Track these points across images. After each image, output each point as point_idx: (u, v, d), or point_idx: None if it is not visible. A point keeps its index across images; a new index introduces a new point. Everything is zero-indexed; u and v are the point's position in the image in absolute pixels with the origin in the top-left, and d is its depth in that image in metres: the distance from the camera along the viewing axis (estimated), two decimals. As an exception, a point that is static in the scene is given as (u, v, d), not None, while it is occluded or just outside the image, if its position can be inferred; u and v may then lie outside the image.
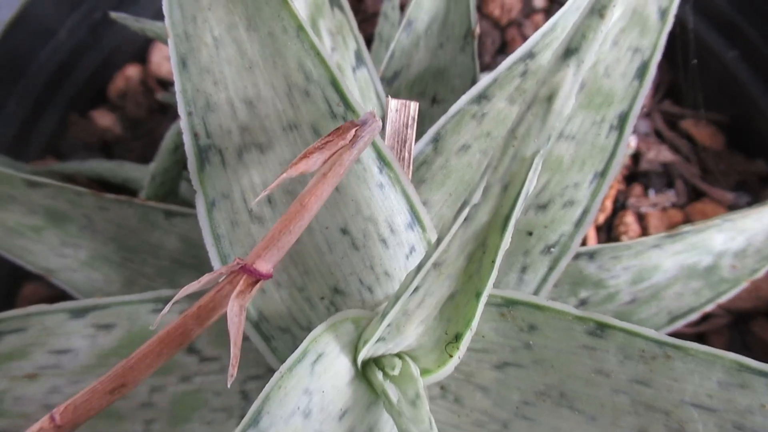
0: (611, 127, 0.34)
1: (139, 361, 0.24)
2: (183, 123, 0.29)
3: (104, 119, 0.54)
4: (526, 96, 0.22)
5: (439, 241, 0.25)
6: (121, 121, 0.54)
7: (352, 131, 0.26)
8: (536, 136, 0.23)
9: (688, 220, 0.48)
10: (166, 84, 0.57)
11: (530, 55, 0.34)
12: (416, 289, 0.27)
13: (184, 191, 0.44)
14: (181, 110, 0.29)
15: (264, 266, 0.24)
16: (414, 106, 0.32)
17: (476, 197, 0.24)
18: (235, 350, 0.23)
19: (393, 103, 0.32)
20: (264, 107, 0.29)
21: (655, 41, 0.33)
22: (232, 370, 0.23)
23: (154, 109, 0.55)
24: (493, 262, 0.26)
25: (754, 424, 0.27)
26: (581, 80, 0.34)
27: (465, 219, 0.25)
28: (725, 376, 0.27)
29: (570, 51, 0.22)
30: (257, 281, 0.24)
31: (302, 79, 0.29)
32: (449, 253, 0.26)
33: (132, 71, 0.56)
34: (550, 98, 0.22)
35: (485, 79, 0.34)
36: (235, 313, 0.24)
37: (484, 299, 0.27)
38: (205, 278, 0.24)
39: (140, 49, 0.57)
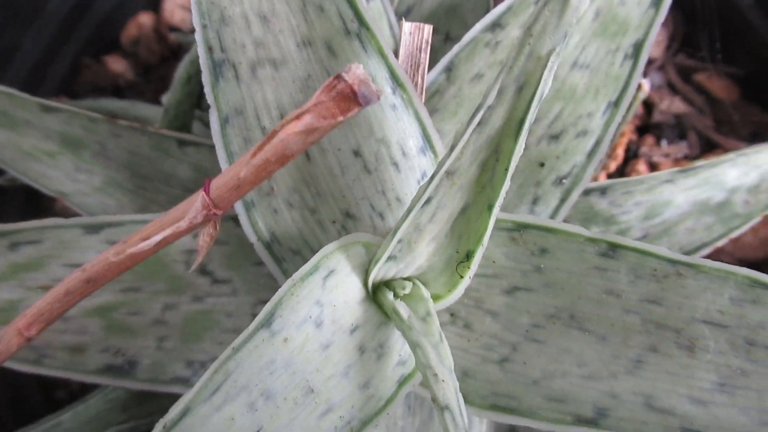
0: (626, 55, 0.33)
1: (108, 267, 0.24)
2: (198, 36, 0.29)
3: (117, 64, 0.54)
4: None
5: (451, 148, 0.25)
6: (133, 67, 0.54)
7: (355, 110, 0.21)
8: (552, 33, 0.23)
9: (700, 171, 0.48)
10: (179, 33, 0.57)
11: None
12: (428, 201, 0.27)
13: (197, 131, 0.45)
14: (196, 22, 0.29)
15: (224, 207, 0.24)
16: (428, 29, 0.32)
17: (490, 99, 0.24)
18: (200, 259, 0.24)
19: (407, 26, 0.32)
20: (278, 22, 0.29)
21: (672, -33, 0.33)
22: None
23: (167, 56, 0.55)
24: (506, 170, 0.26)
25: (766, 339, 0.27)
26: (596, 7, 0.34)
27: (478, 123, 0.25)
28: (737, 292, 0.27)
29: (588, -56, 0.22)
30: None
31: (317, -6, 0.29)
32: (462, 160, 0.26)
33: (145, 18, 0.56)
34: (567, -8, 0.22)
35: (500, 7, 0.34)
36: (206, 242, 0.25)
37: (496, 211, 0.27)
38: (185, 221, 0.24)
39: (154, -4, 0.57)
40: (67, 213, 0.47)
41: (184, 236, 0.26)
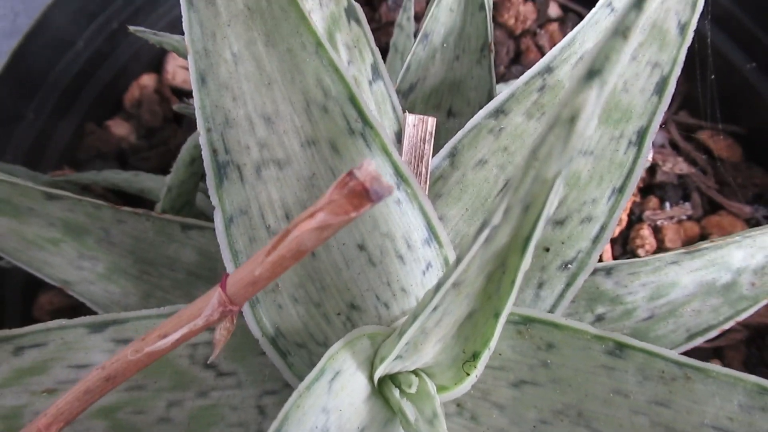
0: (630, 143, 0.33)
1: (127, 365, 0.24)
2: (202, 139, 0.29)
3: (120, 128, 0.54)
4: (548, 117, 0.22)
5: (458, 260, 0.25)
6: (136, 130, 0.54)
7: (367, 206, 0.21)
8: (558, 157, 0.23)
9: (704, 232, 0.48)
10: (181, 93, 0.57)
11: (548, 69, 0.34)
12: (435, 308, 0.27)
13: (200, 202, 0.45)
14: (200, 126, 0.29)
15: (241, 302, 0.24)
16: (431, 122, 0.32)
17: (497, 218, 0.24)
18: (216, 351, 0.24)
19: (410, 119, 0.32)
20: (282, 123, 0.29)
21: (674, 56, 0.33)
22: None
23: (169, 118, 0.55)
24: (513, 282, 0.26)
25: (776, 448, 0.26)
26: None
27: (485, 240, 0.25)
28: (746, 399, 0.27)
29: (593, 72, 0.21)
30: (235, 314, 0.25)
31: (321, 95, 0.29)
32: (468, 273, 0.26)
33: (147, 80, 0.56)
34: (572, 119, 0.22)
35: (502, 94, 0.34)
36: (224, 335, 0.25)
37: (503, 319, 0.27)
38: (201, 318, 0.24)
39: (155, 58, 0.58)
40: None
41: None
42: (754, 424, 0.27)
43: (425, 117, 0.32)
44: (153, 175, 0.46)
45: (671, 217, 0.47)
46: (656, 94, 0.33)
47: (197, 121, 0.29)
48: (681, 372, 0.28)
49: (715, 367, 0.27)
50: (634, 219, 0.48)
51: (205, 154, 0.29)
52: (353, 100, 0.29)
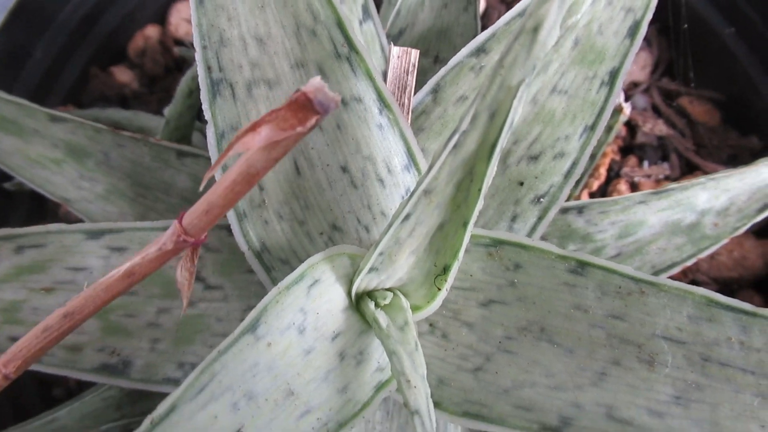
0: (602, 82, 0.35)
1: (85, 302, 0.24)
2: (197, 56, 0.31)
3: (123, 75, 0.56)
4: (514, 28, 0.24)
5: (429, 168, 0.27)
6: (139, 78, 0.56)
7: (313, 120, 0.20)
8: (522, 65, 0.25)
9: (680, 192, 0.49)
10: (184, 45, 0.59)
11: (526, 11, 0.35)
12: (407, 217, 0.29)
13: (196, 141, 0.47)
14: (197, 43, 0.31)
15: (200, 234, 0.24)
16: (415, 54, 0.34)
17: (465, 124, 0.26)
18: (185, 302, 0.25)
19: (395, 50, 0.34)
20: (273, 45, 0.31)
21: (647, 1, 0.35)
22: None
23: (171, 67, 0.57)
24: (480, 190, 0.27)
25: (720, 356, 0.28)
26: (575, 37, 0.36)
27: (454, 146, 0.26)
28: (695, 311, 0.29)
29: (555, -14, 0.23)
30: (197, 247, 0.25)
31: (310, 19, 0.31)
32: (439, 180, 0.27)
33: (151, 31, 0.58)
34: (535, 29, 0.24)
35: (484, 34, 0.36)
36: (186, 277, 0.25)
37: (470, 228, 0.29)
38: (154, 246, 0.24)
39: (159, 10, 0.60)
40: (69, 218, 0.49)
41: (162, 265, 0.26)
42: (701, 333, 0.29)
43: (409, 49, 0.34)
44: (153, 115, 0.48)
45: (648, 175, 0.49)
46: (629, 37, 0.35)
47: (194, 39, 0.31)
48: (636, 287, 0.30)
49: (667, 281, 0.29)
50: (613, 175, 0.50)
51: (200, 71, 0.31)
52: (340, 25, 0.31)
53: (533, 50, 0.24)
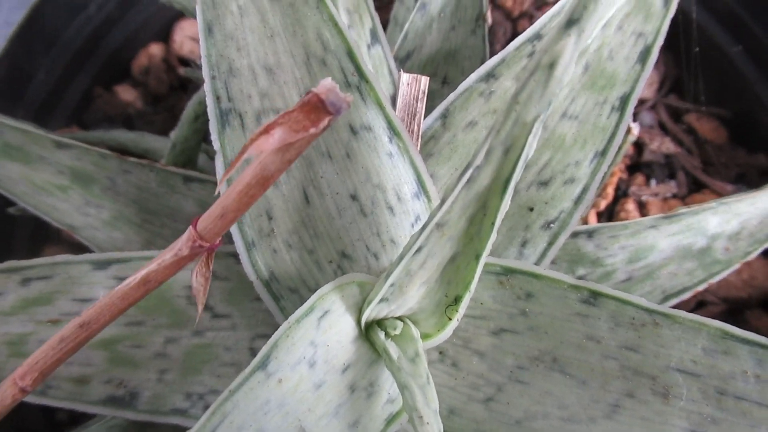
0: (613, 108, 0.35)
1: (101, 311, 0.24)
2: (207, 86, 0.31)
3: (127, 94, 0.56)
4: (529, 64, 0.23)
5: (442, 202, 0.27)
6: (143, 97, 0.56)
7: (326, 120, 0.20)
8: (537, 101, 0.24)
9: (688, 210, 0.49)
10: (188, 63, 0.59)
11: (538, 36, 0.35)
12: (419, 249, 0.28)
13: (202, 163, 0.46)
14: (206, 74, 0.30)
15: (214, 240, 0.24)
16: (425, 81, 0.34)
17: (479, 159, 0.26)
18: (200, 308, 0.24)
19: (405, 77, 0.34)
20: (283, 74, 0.31)
21: (658, 27, 0.34)
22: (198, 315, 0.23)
23: (175, 86, 0.57)
24: (493, 224, 0.27)
25: (736, 390, 0.28)
26: (585, 62, 0.36)
27: (467, 181, 0.26)
28: (710, 343, 0.29)
29: (571, 21, 0.23)
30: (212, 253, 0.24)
31: (320, 49, 0.31)
32: (452, 214, 0.27)
33: (155, 49, 0.58)
34: (551, 66, 0.23)
35: (494, 59, 0.35)
36: (201, 283, 0.25)
37: (483, 261, 0.28)
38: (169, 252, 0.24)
39: (163, 28, 0.59)
40: (73, 242, 0.48)
41: (178, 272, 0.26)
42: (716, 366, 0.28)
43: (419, 76, 0.34)
44: (158, 136, 0.48)
45: (656, 194, 0.49)
46: (640, 63, 0.35)
47: (203, 69, 0.31)
48: (650, 318, 0.29)
49: (681, 312, 0.29)
50: (620, 194, 0.50)
51: (209, 101, 0.31)
52: (351, 55, 0.31)
53: (549, 86, 0.24)
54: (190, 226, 0.23)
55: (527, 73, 0.24)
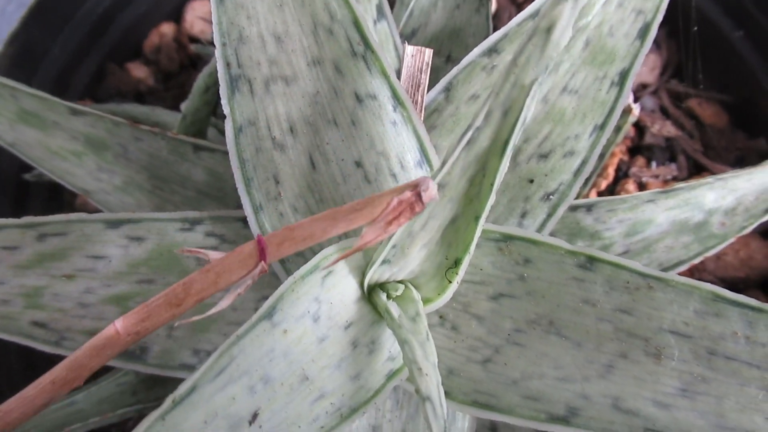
0: (612, 83, 0.36)
1: (194, 287, 0.25)
2: (217, 53, 0.32)
3: (139, 71, 0.57)
4: (527, 28, 0.24)
5: (443, 163, 0.28)
6: (154, 74, 0.58)
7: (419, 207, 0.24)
8: (535, 64, 0.25)
9: (688, 192, 0.50)
10: (199, 43, 0.60)
11: (539, 13, 0.36)
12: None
13: (212, 136, 0.47)
14: (216, 40, 0.31)
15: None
16: (428, 52, 0.35)
17: (478, 121, 0.27)
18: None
19: (409, 49, 0.35)
20: (291, 43, 0.32)
21: (657, 4, 0.35)
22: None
23: (186, 64, 0.58)
24: (492, 185, 0.28)
25: (726, 350, 0.29)
26: (586, 38, 0.37)
27: (468, 142, 0.27)
28: (701, 306, 0.29)
29: (569, -13, 0.24)
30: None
31: (327, 18, 0.32)
32: (452, 175, 0.28)
33: (166, 28, 0.59)
34: (548, 30, 0.24)
35: (496, 34, 0.36)
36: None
37: (482, 222, 0.29)
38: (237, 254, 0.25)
39: (175, 8, 0.61)
40: (86, 209, 0.50)
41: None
42: (707, 327, 0.29)
43: (422, 48, 0.34)
44: (169, 110, 0.49)
45: (656, 176, 0.49)
46: (639, 39, 0.36)
47: (214, 36, 0.32)
48: (644, 282, 0.30)
49: (674, 276, 0.30)
50: (621, 175, 0.50)
51: (220, 67, 0.32)
52: (357, 24, 0.32)
53: (546, 50, 0.25)
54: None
55: (525, 37, 0.25)
